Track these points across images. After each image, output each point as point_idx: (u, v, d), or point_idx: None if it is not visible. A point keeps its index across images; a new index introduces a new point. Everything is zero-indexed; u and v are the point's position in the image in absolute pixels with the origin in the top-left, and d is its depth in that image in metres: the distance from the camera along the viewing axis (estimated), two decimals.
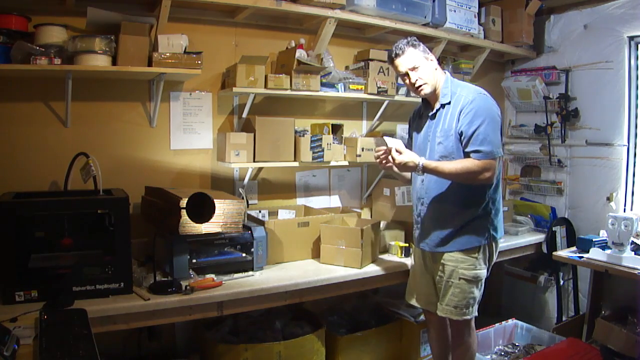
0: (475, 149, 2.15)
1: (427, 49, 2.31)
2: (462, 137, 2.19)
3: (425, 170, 2.17)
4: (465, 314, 2.30)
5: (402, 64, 2.26)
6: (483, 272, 2.31)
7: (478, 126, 2.15)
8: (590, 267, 3.08)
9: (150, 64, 2.43)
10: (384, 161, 2.21)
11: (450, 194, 2.27)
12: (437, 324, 2.50)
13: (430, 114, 2.33)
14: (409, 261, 2.73)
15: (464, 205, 2.26)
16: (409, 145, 2.54)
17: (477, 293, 2.31)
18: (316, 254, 2.73)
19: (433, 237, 2.33)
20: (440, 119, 2.28)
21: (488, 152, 2.13)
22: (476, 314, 2.35)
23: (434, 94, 2.31)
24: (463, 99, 2.22)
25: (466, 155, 2.19)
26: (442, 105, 2.28)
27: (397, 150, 2.17)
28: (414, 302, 2.54)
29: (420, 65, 2.24)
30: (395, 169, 2.21)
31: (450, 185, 2.26)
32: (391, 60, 2.32)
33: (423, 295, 2.48)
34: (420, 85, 2.26)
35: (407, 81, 2.29)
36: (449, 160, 2.22)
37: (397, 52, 2.26)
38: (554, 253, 3.26)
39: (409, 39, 2.29)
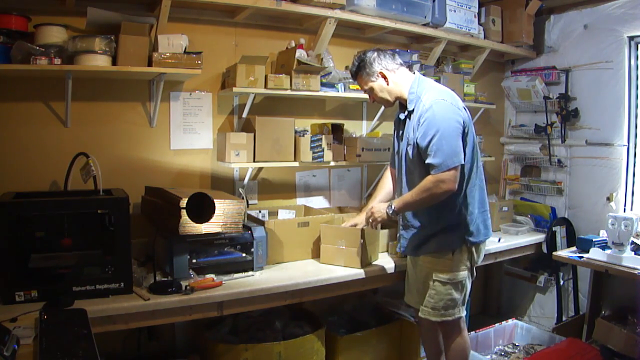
0: (429, 162, 2.15)
1: (379, 60, 2.30)
2: (419, 148, 2.20)
3: (395, 210, 2.27)
4: (444, 316, 2.30)
5: (359, 85, 2.42)
6: (461, 274, 2.29)
7: (431, 138, 2.13)
8: (590, 267, 3.08)
9: (150, 64, 2.43)
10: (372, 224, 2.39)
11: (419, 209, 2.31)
12: (426, 324, 2.50)
13: (402, 119, 2.36)
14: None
15: (431, 218, 2.28)
16: (393, 145, 2.58)
17: (457, 295, 2.30)
18: (316, 254, 2.73)
19: (408, 245, 2.41)
20: (407, 126, 2.31)
21: (439, 164, 2.11)
22: (461, 315, 2.34)
23: (402, 99, 2.33)
24: (421, 107, 2.20)
25: (427, 167, 2.18)
26: (409, 113, 2.29)
27: (371, 212, 2.35)
28: (408, 301, 2.57)
29: (372, 88, 2.34)
30: (379, 223, 2.39)
31: None
32: None
33: (413, 295, 2.51)
34: (380, 103, 2.40)
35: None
36: (413, 170, 2.28)
37: (352, 74, 2.41)
38: (554, 253, 3.26)
39: (357, 57, 2.36)
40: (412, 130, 2.25)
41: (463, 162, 2.17)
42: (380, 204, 2.39)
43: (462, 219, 2.27)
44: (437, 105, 2.16)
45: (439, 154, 2.11)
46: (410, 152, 2.27)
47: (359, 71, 2.35)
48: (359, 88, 2.45)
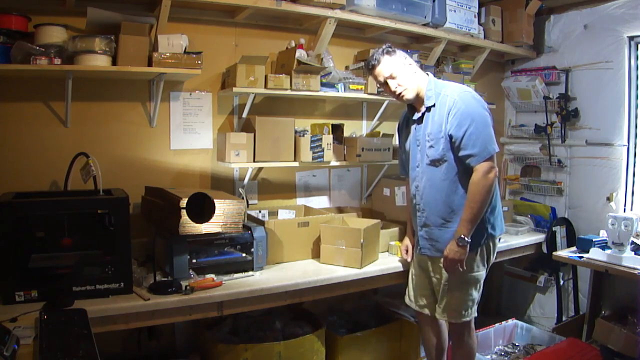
0: (468, 154, 2.13)
1: (404, 54, 2.30)
2: (452, 140, 2.17)
3: (467, 238, 2.16)
4: (463, 316, 2.30)
5: (380, 73, 2.28)
6: (481, 274, 2.31)
7: (467, 127, 2.12)
8: (590, 267, 3.08)
9: (150, 64, 2.43)
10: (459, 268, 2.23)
11: (442, 200, 2.26)
12: (431, 326, 2.50)
13: (417, 117, 2.32)
14: (408, 261, 2.74)
15: (457, 211, 2.24)
16: (400, 152, 2.54)
17: (476, 294, 2.31)
18: (316, 254, 2.73)
19: (431, 243, 2.35)
20: (427, 122, 2.27)
21: (479, 153, 2.12)
22: (475, 314, 2.35)
23: (417, 98, 2.30)
24: (448, 100, 2.19)
25: (460, 159, 2.17)
26: (428, 108, 2.27)
27: (448, 258, 2.22)
28: (409, 303, 2.55)
29: (398, 73, 2.25)
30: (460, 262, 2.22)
31: (442, 191, 2.25)
32: (369, 71, 2.33)
33: (418, 297, 2.49)
34: (401, 92, 2.27)
35: (387, 89, 2.30)
36: (441, 165, 2.22)
37: (373, 62, 2.28)
38: (554, 253, 3.26)
39: (384, 47, 2.29)
40: (436, 125, 2.22)
41: (498, 150, 2.18)
42: (449, 245, 2.22)
43: (487, 213, 2.24)
44: (465, 96, 2.18)
45: (478, 144, 2.12)
46: (438, 147, 2.22)
47: (389, 54, 2.26)
48: (379, 77, 2.29)
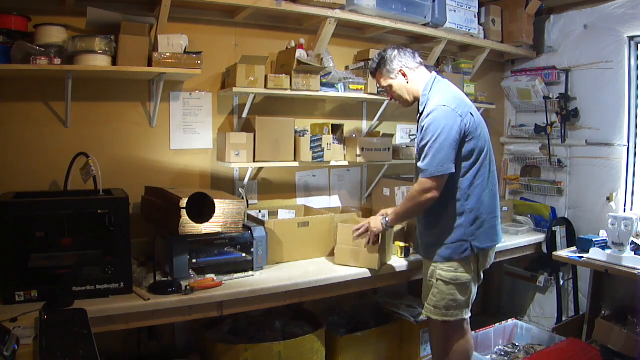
0: (420, 166, 2.19)
1: (397, 60, 2.31)
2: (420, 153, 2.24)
3: (389, 223, 2.39)
4: (445, 315, 2.30)
5: (377, 83, 2.43)
6: (464, 276, 2.28)
7: (426, 143, 2.16)
8: (590, 267, 3.08)
9: (150, 64, 2.43)
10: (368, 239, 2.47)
11: (424, 213, 2.33)
12: (435, 323, 2.50)
13: (418, 118, 2.37)
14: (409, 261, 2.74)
15: (432, 223, 2.30)
16: None
17: (460, 296, 2.29)
18: (316, 254, 2.73)
19: (420, 246, 2.46)
20: (419, 130, 2.33)
21: (426, 169, 2.16)
22: (464, 317, 2.34)
23: (418, 99, 2.34)
24: (426, 111, 2.23)
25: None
26: (420, 114, 2.30)
27: (369, 226, 2.43)
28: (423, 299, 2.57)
29: (391, 85, 2.35)
30: (374, 235, 2.45)
31: None
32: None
33: (423, 294, 2.50)
34: (397, 100, 2.39)
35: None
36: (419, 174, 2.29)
37: (371, 71, 2.42)
38: (554, 253, 3.26)
39: (376, 56, 2.37)
40: (418, 134, 2.28)
41: (453, 171, 2.17)
42: (377, 217, 2.44)
43: (467, 224, 2.23)
44: (438, 112, 2.17)
45: (426, 160, 2.16)
46: (416, 155, 2.29)
47: (379, 68, 2.35)
48: (379, 86, 2.47)
